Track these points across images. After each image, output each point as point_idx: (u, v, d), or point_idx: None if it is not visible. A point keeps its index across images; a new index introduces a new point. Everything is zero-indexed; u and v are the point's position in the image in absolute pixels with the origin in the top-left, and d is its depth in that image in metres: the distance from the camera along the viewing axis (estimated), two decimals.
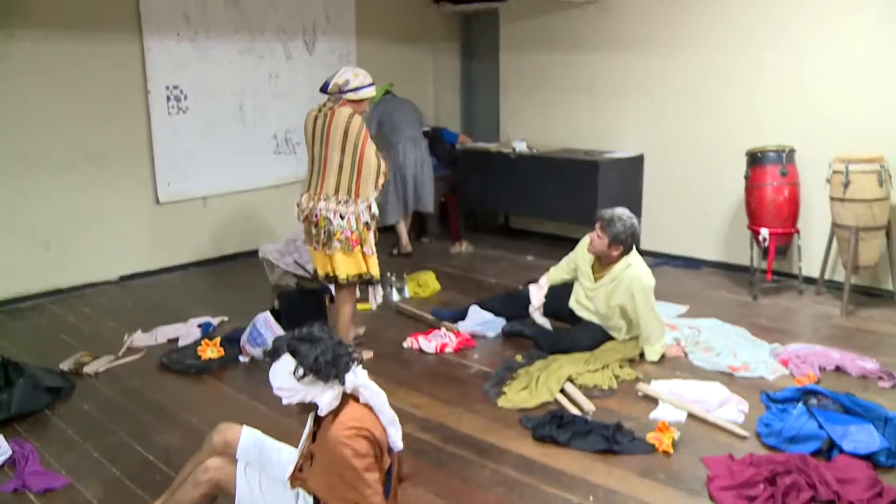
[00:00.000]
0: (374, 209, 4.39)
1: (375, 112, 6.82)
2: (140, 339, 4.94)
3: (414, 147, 6.80)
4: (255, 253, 6.58)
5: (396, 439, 2.57)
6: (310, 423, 2.66)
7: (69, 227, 5.84)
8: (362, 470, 2.39)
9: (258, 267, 6.33)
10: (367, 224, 4.35)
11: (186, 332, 5.00)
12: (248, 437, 2.81)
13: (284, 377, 2.43)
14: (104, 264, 6.08)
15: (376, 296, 4.59)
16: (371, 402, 2.51)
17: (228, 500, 2.58)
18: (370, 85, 4.39)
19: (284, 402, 2.48)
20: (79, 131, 5.78)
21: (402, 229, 6.94)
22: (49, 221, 5.74)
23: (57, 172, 5.72)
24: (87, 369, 4.45)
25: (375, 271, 4.49)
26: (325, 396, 2.44)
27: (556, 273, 4.93)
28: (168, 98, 6.18)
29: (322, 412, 2.46)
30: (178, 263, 6.51)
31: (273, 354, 2.48)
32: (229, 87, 6.55)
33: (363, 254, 4.39)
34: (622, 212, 4.49)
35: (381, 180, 4.37)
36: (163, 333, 5.00)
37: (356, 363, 2.50)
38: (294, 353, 2.43)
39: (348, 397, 2.50)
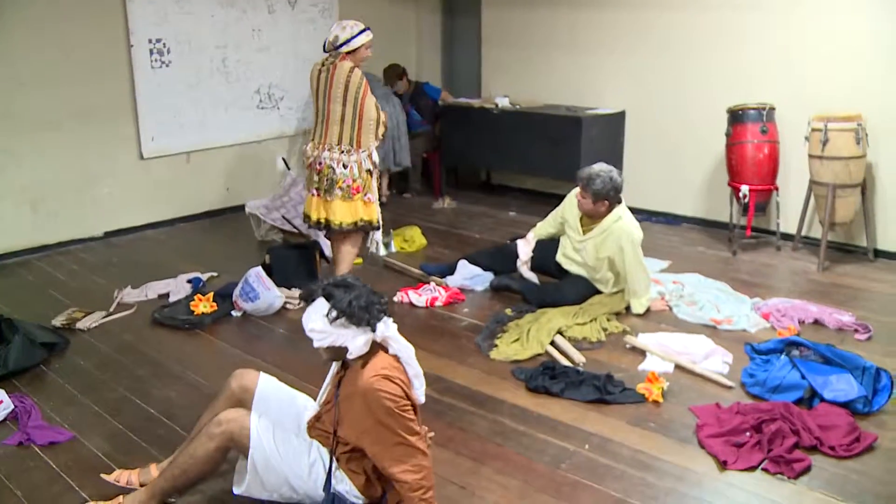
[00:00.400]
0: (375, 157, 4.59)
1: None
2: (130, 294, 4.96)
3: (386, 103, 6.81)
4: (239, 208, 6.60)
5: (420, 393, 2.63)
6: (333, 370, 2.73)
7: (54, 182, 5.79)
8: (398, 410, 2.45)
9: (242, 222, 6.35)
10: (369, 171, 4.59)
11: (176, 287, 5.02)
12: (265, 383, 2.87)
13: (318, 320, 2.49)
14: (89, 220, 6.05)
15: (376, 242, 4.83)
16: (399, 354, 2.57)
17: (242, 451, 2.64)
18: (361, 32, 4.53)
19: (315, 344, 2.54)
20: (63, 88, 5.70)
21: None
22: (35, 179, 5.69)
23: (42, 130, 5.65)
24: (80, 325, 4.47)
25: (373, 217, 4.69)
26: (357, 341, 2.49)
27: (543, 227, 5.01)
28: (151, 52, 6.09)
29: (351, 355, 2.51)
30: (163, 219, 6.49)
31: (308, 298, 2.55)
32: (212, 41, 6.47)
33: (363, 201, 4.62)
34: (599, 168, 4.55)
35: (381, 130, 4.61)
36: (153, 289, 5.02)
37: (387, 315, 2.57)
38: (328, 297, 2.49)
39: (378, 347, 2.56)
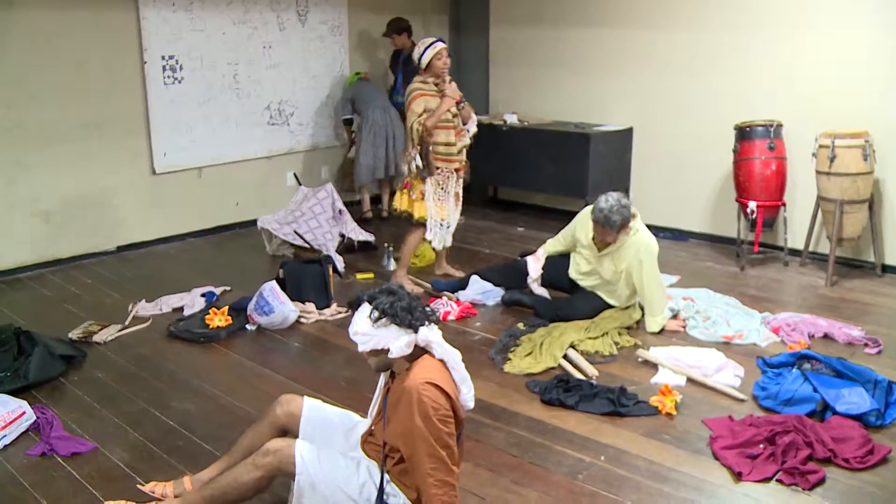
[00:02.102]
0: (418, 161, 5.07)
1: (347, 94, 7.14)
2: (145, 308, 5.00)
3: (383, 113, 6.94)
4: (250, 223, 6.67)
5: (468, 398, 2.65)
6: (382, 381, 2.77)
7: (67, 197, 5.85)
8: (436, 418, 2.46)
9: (253, 237, 6.41)
10: (415, 174, 5.13)
11: (191, 301, 5.06)
12: (311, 407, 2.90)
13: (361, 322, 2.54)
14: (102, 235, 6.11)
15: (432, 234, 5.27)
16: (445, 359, 2.59)
17: (290, 478, 2.66)
18: (426, 49, 5.02)
19: (360, 349, 2.58)
20: (77, 103, 5.77)
21: (366, 194, 7.29)
22: (48, 193, 5.75)
23: (55, 144, 5.72)
24: (97, 338, 4.51)
25: (418, 214, 5.21)
26: (398, 341, 2.52)
27: (554, 245, 5.06)
28: (164, 68, 6.17)
29: (393, 355, 2.54)
30: (175, 234, 6.54)
31: (354, 305, 2.61)
32: (224, 57, 6.55)
33: (410, 197, 5.22)
34: (611, 203, 4.43)
35: (416, 139, 5.04)
36: (167, 303, 5.06)
37: (431, 321, 2.60)
38: (371, 301, 2.55)
39: (423, 351, 2.59)
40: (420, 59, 5.02)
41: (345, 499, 2.63)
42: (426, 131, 4.97)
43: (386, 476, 2.65)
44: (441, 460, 2.49)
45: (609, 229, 4.49)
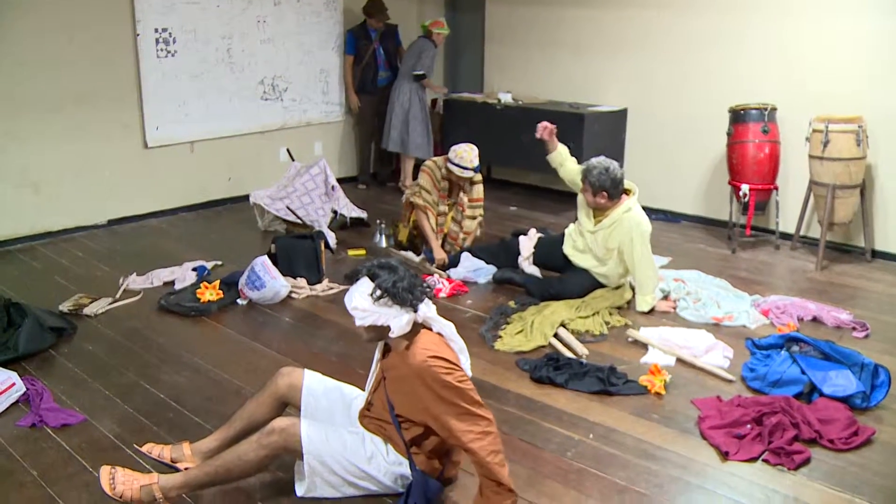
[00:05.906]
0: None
1: None
2: (136, 281, 4.99)
3: (398, 85, 7.27)
4: (241, 198, 6.65)
5: (466, 367, 2.69)
6: (377, 356, 2.79)
7: (58, 169, 5.82)
8: (457, 382, 2.51)
9: (245, 212, 6.39)
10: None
11: (182, 275, 5.05)
12: (312, 379, 2.93)
13: (361, 299, 2.53)
14: (93, 208, 6.08)
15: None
16: (443, 332, 2.63)
17: (297, 457, 2.69)
18: (457, 165, 5.33)
19: (357, 322, 2.58)
20: (68, 74, 5.72)
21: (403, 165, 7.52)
22: (38, 164, 5.71)
23: (46, 115, 5.67)
24: (87, 310, 4.50)
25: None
26: (400, 320, 2.53)
27: (569, 164, 5.05)
28: (157, 41, 6.12)
29: (393, 334, 2.55)
30: (166, 208, 6.52)
31: (352, 278, 2.60)
32: (218, 31, 6.50)
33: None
34: (597, 161, 4.62)
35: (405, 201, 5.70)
36: (158, 276, 5.05)
37: (428, 297, 2.61)
38: (373, 277, 2.54)
39: (420, 327, 2.60)
40: (453, 161, 5.31)
41: (356, 471, 2.68)
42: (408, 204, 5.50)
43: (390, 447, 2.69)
44: (476, 414, 2.55)
45: (584, 182, 4.61)
